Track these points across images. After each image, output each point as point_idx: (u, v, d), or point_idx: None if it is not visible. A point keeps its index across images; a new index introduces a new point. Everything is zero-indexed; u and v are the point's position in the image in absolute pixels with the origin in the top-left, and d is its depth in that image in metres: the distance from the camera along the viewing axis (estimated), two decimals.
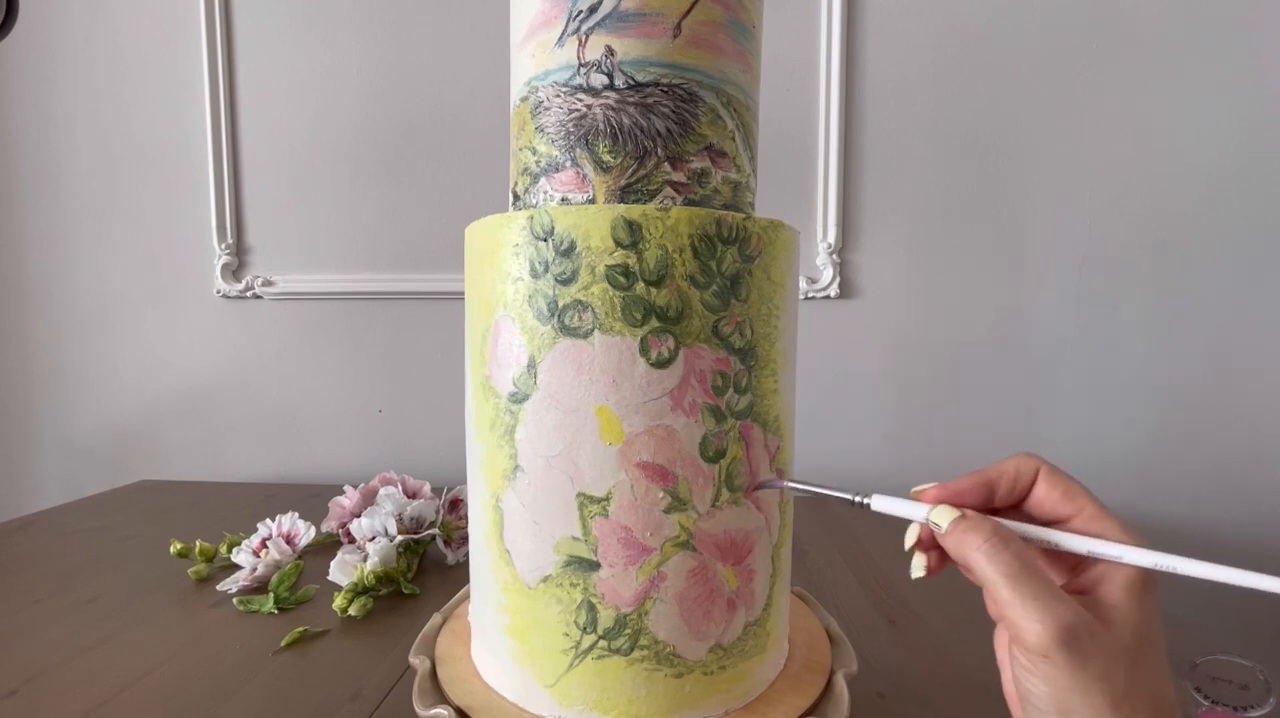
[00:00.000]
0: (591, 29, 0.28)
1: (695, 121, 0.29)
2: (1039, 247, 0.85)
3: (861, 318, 0.87)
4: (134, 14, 0.92)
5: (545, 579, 0.28)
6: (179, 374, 0.95)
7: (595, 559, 0.27)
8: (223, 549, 0.57)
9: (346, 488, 0.63)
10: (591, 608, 0.27)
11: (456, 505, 0.60)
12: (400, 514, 0.56)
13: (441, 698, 0.30)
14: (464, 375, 0.32)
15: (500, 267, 0.28)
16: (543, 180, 0.30)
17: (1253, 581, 0.20)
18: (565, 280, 0.26)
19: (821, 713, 0.30)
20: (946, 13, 0.83)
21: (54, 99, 0.94)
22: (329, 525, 0.62)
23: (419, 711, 0.29)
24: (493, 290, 0.29)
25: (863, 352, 0.87)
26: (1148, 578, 0.22)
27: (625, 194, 0.29)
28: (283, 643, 0.44)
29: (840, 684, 0.31)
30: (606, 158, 0.29)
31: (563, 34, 0.29)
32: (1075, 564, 0.24)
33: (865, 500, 0.27)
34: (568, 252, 0.26)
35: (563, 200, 0.30)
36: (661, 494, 0.27)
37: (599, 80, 0.28)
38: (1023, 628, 0.20)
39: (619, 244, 0.26)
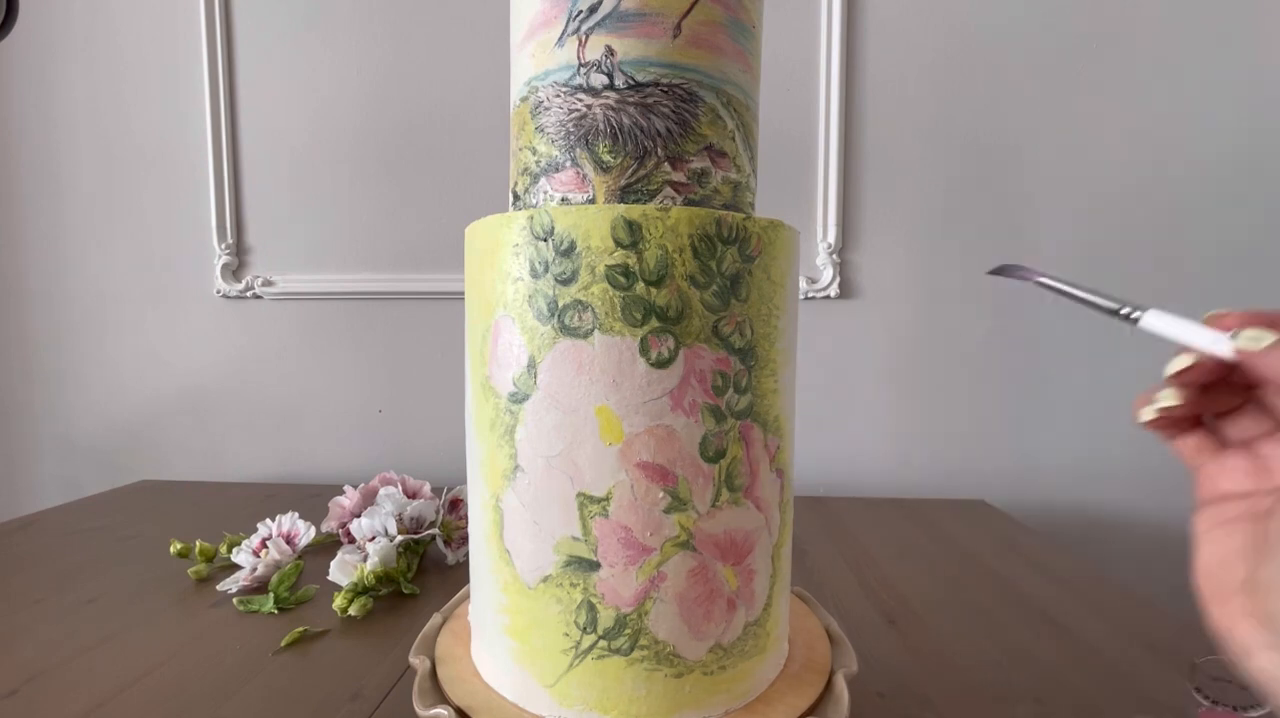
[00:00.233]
0: (591, 29, 0.28)
1: (695, 121, 0.29)
2: (1039, 246, 0.85)
3: (861, 318, 0.87)
4: (134, 14, 0.92)
5: (545, 579, 0.28)
6: (179, 374, 0.95)
7: (595, 559, 0.27)
8: (223, 549, 0.57)
9: (346, 488, 0.63)
10: (591, 608, 0.27)
11: (456, 505, 0.60)
12: (400, 514, 0.56)
13: (441, 698, 0.30)
14: (464, 375, 0.32)
15: (500, 267, 0.28)
16: (543, 180, 0.30)
17: None
18: (565, 280, 0.26)
19: (821, 713, 0.30)
20: (946, 13, 0.83)
21: (54, 99, 0.94)
22: (329, 525, 0.62)
23: (419, 711, 0.29)
24: (493, 290, 0.29)
25: (863, 352, 0.87)
26: None
27: (625, 194, 0.29)
28: (283, 643, 0.44)
29: (840, 684, 0.31)
30: (606, 158, 0.29)
31: (563, 34, 0.29)
32: None
33: (1136, 314, 0.24)
34: (568, 252, 0.26)
35: (563, 200, 0.30)
36: (661, 494, 0.27)
37: (599, 80, 0.28)
38: None
39: (619, 244, 0.26)
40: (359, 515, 0.58)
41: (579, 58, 0.29)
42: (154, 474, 0.94)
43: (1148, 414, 0.23)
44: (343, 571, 0.51)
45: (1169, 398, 0.23)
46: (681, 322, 0.26)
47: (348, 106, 0.90)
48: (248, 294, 0.92)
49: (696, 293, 0.27)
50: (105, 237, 0.95)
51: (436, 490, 0.63)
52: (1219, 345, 0.21)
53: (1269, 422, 0.22)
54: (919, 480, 0.87)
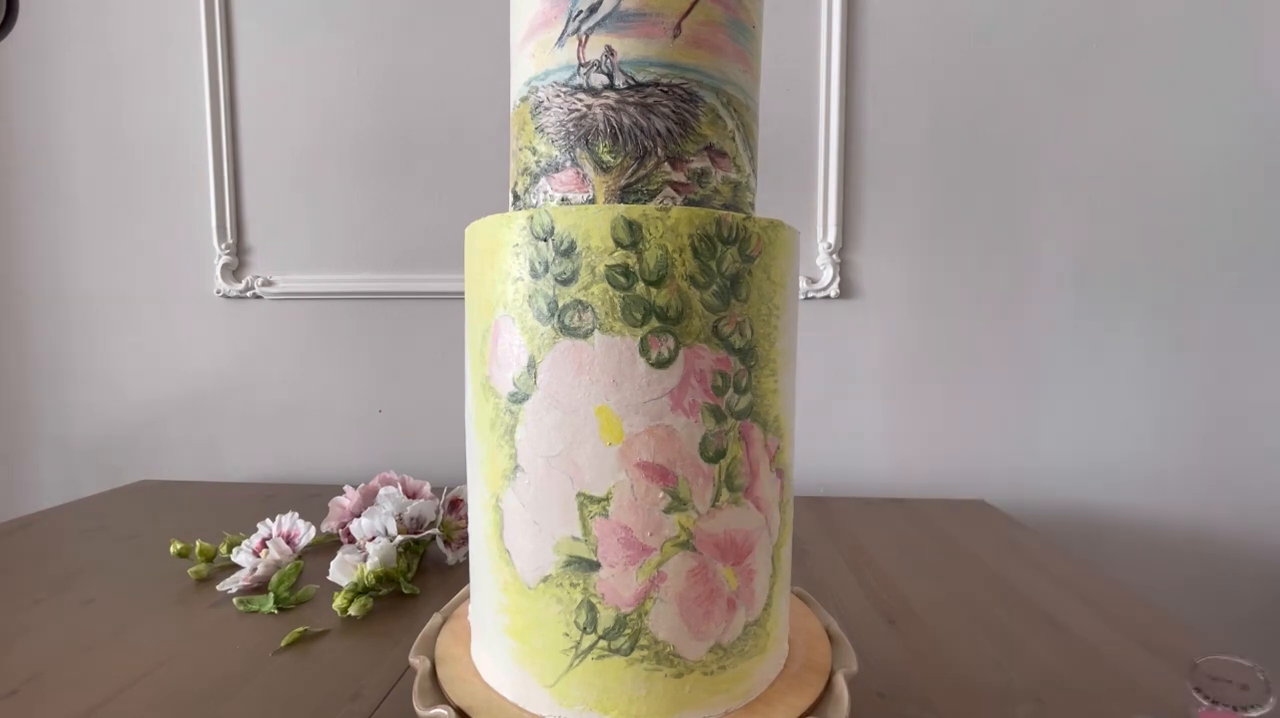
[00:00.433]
0: (591, 29, 0.28)
1: (695, 121, 0.29)
2: (1039, 246, 0.85)
3: (861, 318, 0.87)
4: (134, 14, 0.92)
5: (545, 579, 0.28)
6: (179, 374, 0.95)
7: (595, 559, 0.27)
8: (223, 549, 0.57)
9: (346, 488, 0.63)
10: (591, 608, 0.27)
11: (456, 505, 0.60)
12: (400, 514, 0.56)
13: (441, 698, 0.30)
14: (464, 375, 0.32)
15: (500, 267, 0.28)
16: (543, 180, 0.30)
17: None
18: (565, 280, 0.26)
19: (821, 713, 0.30)
20: (947, 13, 0.84)
21: (54, 99, 0.94)
22: (329, 525, 0.62)
23: (419, 711, 0.29)
24: (493, 290, 0.29)
25: (863, 352, 0.87)
26: None
27: (625, 194, 0.29)
28: (283, 643, 0.44)
29: (840, 684, 0.31)
30: (606, 158, 0.29)
31: (563, 34, 0.29)
32: None
33: None
34: (568, 252, 0.26)
35: (563, 200, 0.30)
36: (661, 494, 0.27)
37: (599, 80, 0.28)
38: None
39: (619, 244, 0.26)
40: (359, 515, 0.58)
41: (579, 58, 0.29)
42: (154, 474, 0.94)
43: None
44: (343, 571, 0.51)
45: None
46: (681, 322, 0.26)
47: (348, 106, 0.90)
48: (248, 294, 0.92)
49: (696, 293, 0.27)
50: (105, 237, 0.95)
51: (436, 490, 0.63)
52: None
53: None
54: (919, 480, 0.87)
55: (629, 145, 0.29)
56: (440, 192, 0.90)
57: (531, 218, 0.27)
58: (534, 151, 0.30)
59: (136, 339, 0.96)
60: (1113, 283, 0.84)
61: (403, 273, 0.91)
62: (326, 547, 0.61)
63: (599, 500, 0.27)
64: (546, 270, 0.27)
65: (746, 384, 0.28)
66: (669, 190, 0.29)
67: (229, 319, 0.94)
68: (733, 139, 0.31)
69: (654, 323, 0.26)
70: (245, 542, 0.55)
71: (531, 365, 0.27)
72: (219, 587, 0.52)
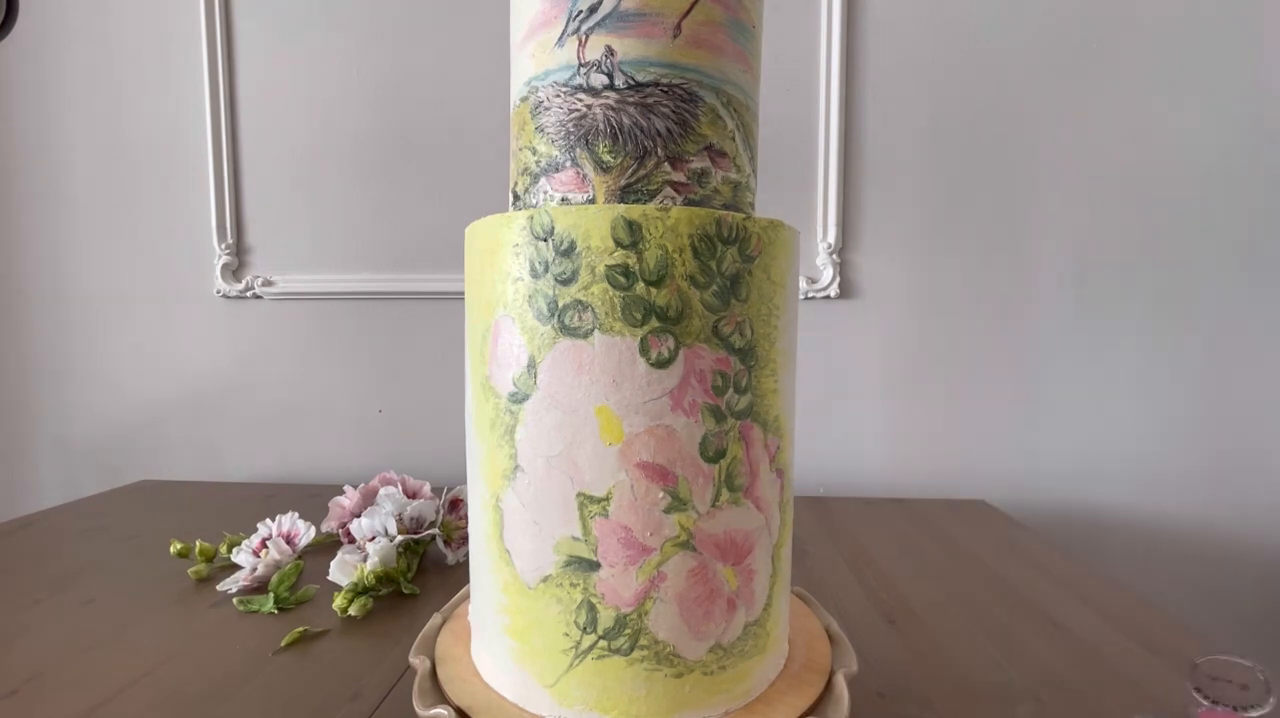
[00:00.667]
0: (591, 29, 0.28)
1: (695, 121, 0.29)
2: (1039, 247, 0.85)
3: (861, 318, 0.87)
4: (134, 14, 0.92)
5: (545, 579, 0.28)
6: (179, 374, 0.95)
7: (595, 559, 0.27)
8: (223, 549, 0.57)
9: (346, 488, 0.63)
10: (591, 608, 0.27)
11: (456, 505, 0.60)
12: (400, 514, 0.56)
13: (441, 698, 0.30)
14: (464, 375, 0.32)
15: (500, 267, 0.28)
16: (543, 180, 0.30)
17: None
18: (565, 280, 0.26)
19: (821, 713, 0.30)
20: (947, 13, 0.84)
21: (54, 99, 0.94)
22: (329, 526, 0.62)
23: (419, 711, 0.29)
24: (493, 290, 0.29)
25: (862, 352, 0.87)
26: None
27: (625, 194, 0.29)
28: (283, 643, 0.44)
29: (840, 684, 0.31)
30: (606, 158, 0.29)
31: (563, 34, 0.29)
32: None
33: None
34: (568, 252, 0.26)
35: (563, 200, 0.30)
36: (661, 494, 0.27)
37: (599, 80, 0.28)
38: None
39: (619, 244, 0.26)
40: (359, 515, 0.58)
41: (579, 58, 0.29)
42: (154, 474, 0.94)
43: None
44: (343, 571, 0.51)
45: None
46: (681, 322, 0.26)
47: (348, 106, 0.90)
48: (248, 294, 0.92)
49: (696, 293, 0.27)
50: (105, 237, 0.95)
51: (436, 490, 0.63)
52: None
53: None
54: (919, 480, 0.87)
55: (629, 145, 0.29)
56: (440, 192, 0.90)
57: (531, 218, 0.27)
58: (534, 151, 0.30)
59: (136, 339, 0.96)
60: (1113, 283, 0.84)
61: (403, 273, 0.91)
62: (326, 547, 0.61)
63: (599, 500, 0.27)
64: (546, 270, 0.27)
65: (746, 384, 0.28)
66: (669, 190, 0.29)
67: (229, 319, 0.94)
68: (733, 139, 0.31)
69: (654, 323, 0.26)
70: (245, 542, 0.55)
71: (531, 365, 0.27)
72: (219, 587, 0.52)
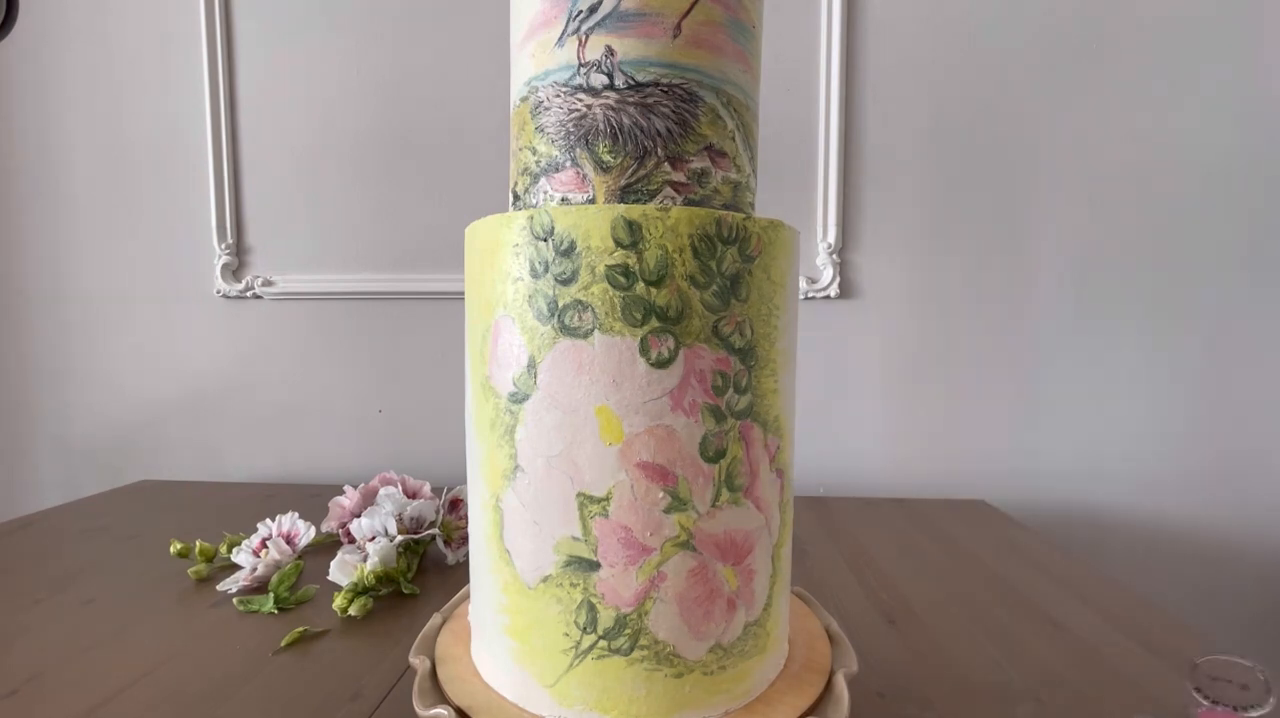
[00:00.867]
0: (591, 29, 0.28)
1: (695, 121, 0.29)
2: (1039, 246, 0.85)
3: (861, 318, 0.87)
4: (134, 14, 0.92)
5: (545, 579, 0.28)
6: (179, 374, 0.95)
7: (595, 559, 0.27)
8: (223, 549, 0.57)
9: (346, 488, 0.63)
10: (591, 608, 0.27)
11: (456, 505, 0.60)
12: (400, 514, 0.56)
13: (441, 698, 0.30)
14: (464, 375, 0.32)
15: (500, 267, 0.28)
16: (543, 180, 0.30)
17: None
18: (565, 280, 0.26)
19: (821, 713, 0.30)
20: (947, 13, 0.84)
21: (54, 99, 0.94)
22: (329, 526, 0.62)
23: (419, 711, 0.29)
24: (493, 290, 0.29)
25: (863, 352, 0.87)
26: None
27: (625, 194, 0.29)
28: (283, 643, 0.44)
29: (840, 684, 0.31)
30: (606, 158, 0.29)
31: (563, 34, 0.29)
32: None
33: None
34: (568, 252, 0.26)
35: (563, 200, 0.30)
36: (661, 494, 0.27)
37: (599, 80, 0.28)
38: None
39: (619, 244, 0.26)
40: (359, 515, 0.58)
41: (579, 58, 0.29)
42: (154, 474, 0.94)
43: None
44: (343, 571, 0.51)
45: None
46: (681, 322, 0.26)
47: (348, 106, 0.90)
48: (248, 294, 0.92)
49: (696, 293, 0.27)
50: (105, 236, 0.95)
51: (436, 490, 0.63)
52: None
53: None
54: (919, 480, 0.87)
55: (629, 145, 0.29)
56: (440, 192, 0.90)
57: (531, 218, 0.27)
58: (534, 151, 0.30)
59: (136, 339, 0.96)
60: (1113, 283, 0.84)
61: (403, 273, 0.91)
62: (326, 547, 0.61)
63: (599, 500, 0.27)
64: (546, 270, 0.27)
65: (746, 384, 0.28)
66: (669, 190, 0.29)
67: (229, 319, 0.94)
68: (733, 139, 0.31)
69: (654, 323, 0.26)
70: (245, 542, 0.55)
71: (531, 365, 0.27)
72: (219, 587, 0.52)
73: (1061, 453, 0.86)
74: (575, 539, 0.27)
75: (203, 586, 0.54)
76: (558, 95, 0.29)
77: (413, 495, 0.62)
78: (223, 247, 0.92)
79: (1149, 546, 0.85)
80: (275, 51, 0.90)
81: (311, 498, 0.76)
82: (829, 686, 0.32)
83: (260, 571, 0.52)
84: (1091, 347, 0.85)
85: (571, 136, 0.29)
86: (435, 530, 0.57)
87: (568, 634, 0.27)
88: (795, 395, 0.33)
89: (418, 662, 0.32)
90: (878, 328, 0.87)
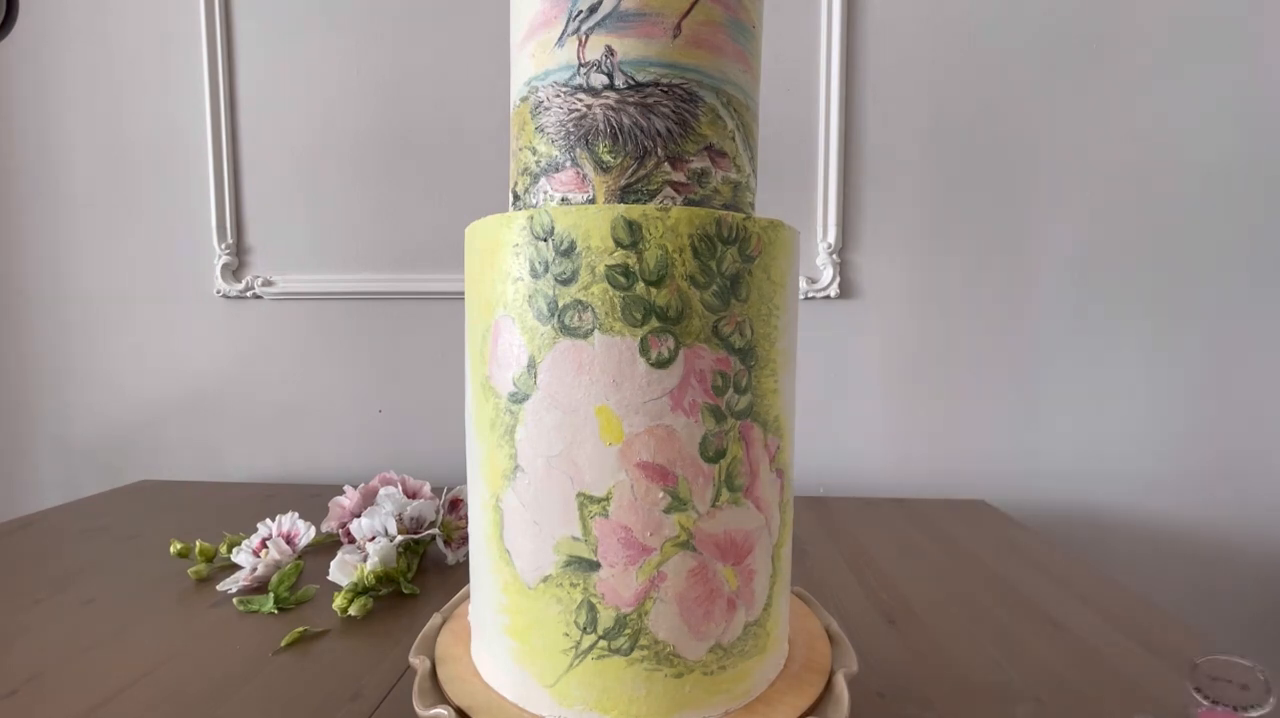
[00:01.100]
0: (591, 29, 0.28)
1: (695, 121, 0.29)
2: (1039, 246, 0.85)
3: (861, 318, 0.87)
4: (134, 14, 0.92)
5: (545, 579, 0.28)
6: (179, 374, 0.95)
7: (595, 559, 0.27)
8: (223, 549, 0.57)
9: (346, 488, 0.63)
10: (591, 608, 0.27)
11: (456, 505, 0.60)
12: (400, 514, 0.56)
13: (441, 698, 0.30)
14: (464, 375, 0.32)
15: (500, 267, 0.28)
16: (543, 180, 0.30)
17: None
18: (565, 280, 0.26)
19: (821, 713, 0.30)
20: (947, 13, 0.84)
21: (54, 99, 0.94)
22: (329, 526, 0.62)
23: (419, 711, 0.29)
24: (493, 290, 0.29)
25: (862, 352, 0.87)
26: None
27: (625, 194, 0.29)
28: (283, 643, 0.44)
29: (840, 684, 0.31)
30: (606, 158, 0.29)
31: (563, 34, 0.29)
32: None
33: None
34: (568, 252, 0.26)
35: (563, 200, 0.30)
36: (661, 494, 0.27)
37: (599, 80, 0.28)
38: None
39: (619, 244, 0.26)
40: (359, 515, 0.58)
41: (579, 58, 0.29)
42: (154, 474, 0.94)
43: None
44: (343, 571, 0.51)
45: None
46: (681, 322, 0.26)
47: (348, 106, 0.90)
48: (248, 294, 0.92)
49: (696, 293, 0.27)
50: (105, 236, 0.95)
51: (436, 490, 0.63)
52: None
53: None
54: (919, 481, 0.87)
55: (629, 145, 0.29)
56: (440, 192, 0.90)
57: (531, 218, 0.27)
58: (534, 151, 0.30)
59: (136, 339, 0.96)
60: (1113, 283, 0.84)
61: (403, 273, 0.91)
62: (326, 547, 0.61)
63: (599, 500, 0.27)
64: (546, 270, 0.27)
65: (746, 384, 0.28)
66: (669, 190, 0.29)
67: (229, 319, 0.94)
68: (733, 139, 0.31)
69: (654, 323, 0.26)
70: (245, 542, 0.55)
71: (531, 365, 0.27)
72: (219, 587, 0.52)
73: (1061, 453, 0.86)
74: (575, 539, 0.27)
75: (203, 586, 0.54)
76: (558, 95, 0.29)
77: (413, 495, 0.62)
78: (223, 247, 0.92)
79: (1149, 546, 0.85)
80: (275, 51, 0.90)
81: (311, 498, 0.76)
82: (829, 686, 0.32)
83: (260, 570, 0.52)
84: (1091, 347, 0.85)
85: (571, 136, 0.29)
86: (435, 531, 0.57)
87: (568, 634, 0.27)
88: (795, 395, 0.33)
89: (418, 662, 0.32)
90: (878, 328, 0.87)
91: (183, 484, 0.88)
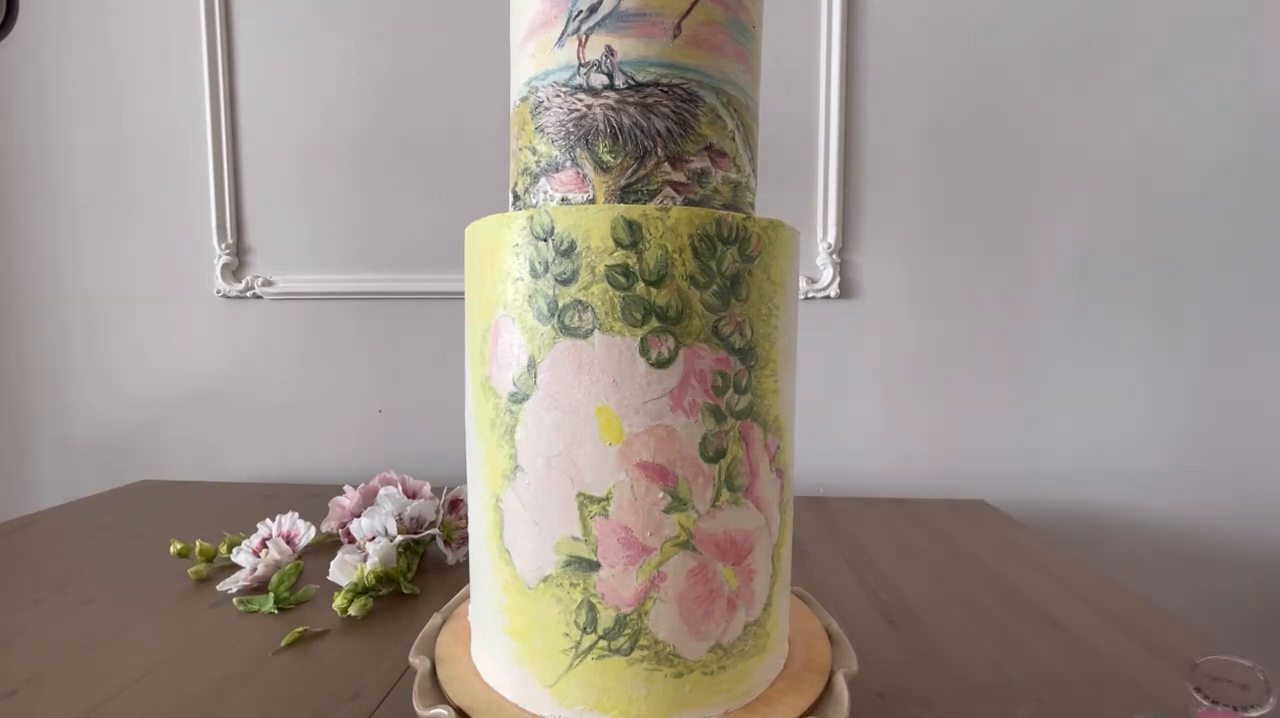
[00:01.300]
0: (591, 29, 0.28)
1: (695, 121, 0.29)
2: (1039, 246, 0.85)
3: (861, 318, 0.87)
4: (134, 14, 0.92)
5: (545, 579, 0.28)
6: (179, 374, 0.95)
7: (595, 559, 0.27)
8: (223, 549, 0.57)
9: (346, 488, 0.63)
10: (591, 608, 0.27)
11: (456, 505, 0.60)
12: (400, 514, 0.56)
13: (441, 698, 0.30)
14: (464, 375, 0.32)
15: (500, 267, 0.28)
16: (543, 180, 0.30)
17: None
18: (565, 280, 0.26)
19: (821, 713, 0.30)
20: (947, 13, 0.83)
21: (54, 99, 0.94)
22: (329, 526, 0.62)
23: (419, 711, 0.29)
24: (493, 290, 0.29)
25: (863, 352, 0.87)
26: None
27: (625, 194, 0.29)
28: (283, 643, 0.44)
29: (840, 684, 0.31)
30: (606, 158, 0.29)
31: (563, 34, 0.29)
32: None
33: None
34: (568, 252, 0.26)
35: (563, 200, 0.30)
36: (661, 494, 0.27)
37: (599, 80, 0.28)
38: None
39: (619, 244, 0.26)
40: (359, 515, 0.58)
41: (579, 58, 0.29)
42: (154, 474, 0.94)
43: None
44: (343, 571, 0.51)
45: None
46: (681, 322, 0.26)
47: (348, 106, 0.90)
48: (248, 294, 0.92)
49: (696, 293, 0.27)
50: (105, 237, 0.95)
51: (436, 490, 0.63)
52: None
53: None
54: (919, 481, 0.87)
55: (629, 145, 0.29)
56: (440, 192, 0.90)
57: (531, 218, 0.27)
58: (534, 151, 0.30)
59: (136, 339, 0.96)
60: (1113, 283, 0.84)
61: (403, 273, 0.91)
62: (326, 547, 0.61)
63: (599, 500, 0.27)
64: (546, 270, 0.27)
65: (746, 384, 0.28)
66: (669, 190, 0.29)
67: (229, 319, 0.94)
68: (733, 139, 0.31)
69: (654, 323, 0.26)
70: (245, 542, 0.55)
71: (531, 365, 0.27)
72: (219, 587, 0.52)
73: (1061, 453, 0.86)
74: (575, 539, 0.27)
75: (203, 586, 0.54)
76: (558, 95, 0.29)
77: (413, 495, 0.62)
78: (223, 247, 0.92)
79: (1149, 546, 0.85)
80: (275, 51, 0.90)
81: (311, 498, 0.76)
82: (829, 686, 0.32)
83: (260, 570, 0.52)
84: (1091, 347, 0.85)
85: (571, 137, 0.29)
86: (435, 531, 0.57)
87: (568, 634, 0.27)
88: (795, 395, 0.33)
89: (418, 662, 0.32)
90: (878, 328, 0.87)
91: (183, 484, 0.88)
